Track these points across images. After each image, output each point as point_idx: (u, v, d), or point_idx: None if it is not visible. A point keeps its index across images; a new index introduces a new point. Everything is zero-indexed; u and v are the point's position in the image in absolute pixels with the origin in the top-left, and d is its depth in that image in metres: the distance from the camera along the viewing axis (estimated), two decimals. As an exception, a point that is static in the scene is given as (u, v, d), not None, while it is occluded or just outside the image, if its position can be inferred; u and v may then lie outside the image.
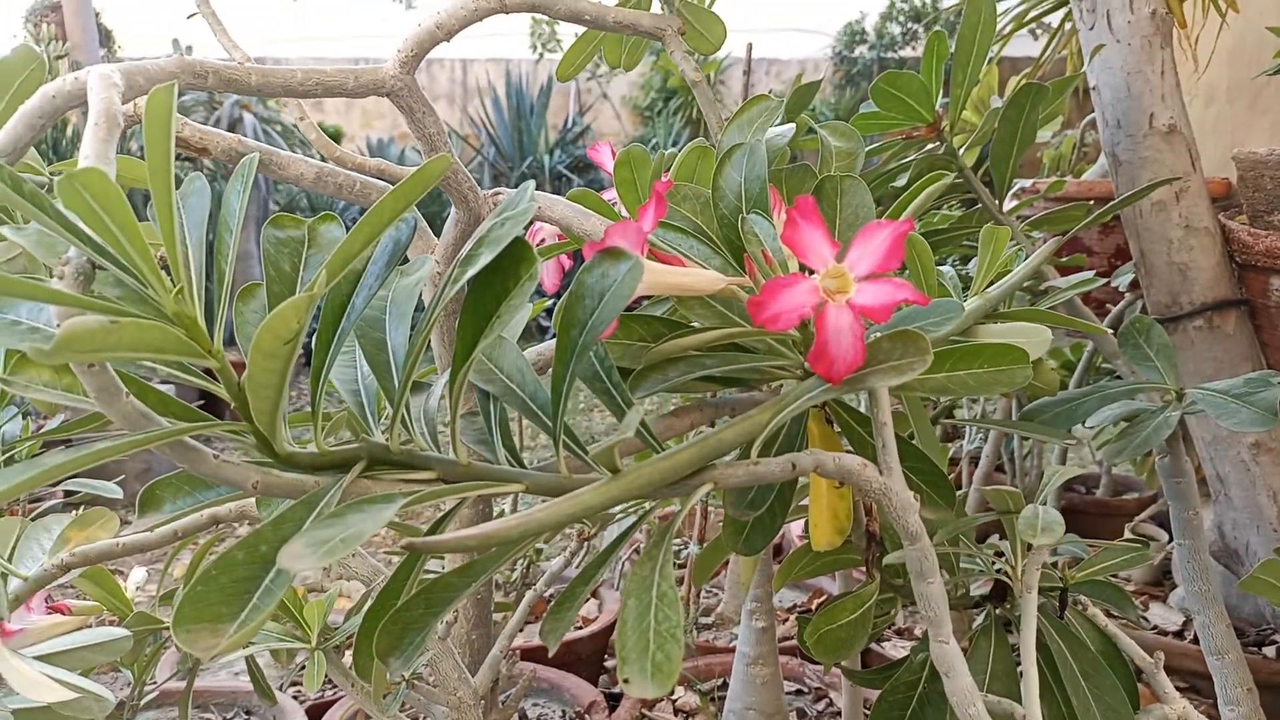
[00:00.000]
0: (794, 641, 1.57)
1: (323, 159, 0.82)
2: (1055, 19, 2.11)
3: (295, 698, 1.60)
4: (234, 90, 0.63)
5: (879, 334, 0.51)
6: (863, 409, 0.67)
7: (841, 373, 0.48)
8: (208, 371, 0.48)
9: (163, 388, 0.50)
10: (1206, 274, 1.17)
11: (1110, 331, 1.01)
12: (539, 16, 7.57)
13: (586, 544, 1.30)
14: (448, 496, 0.50)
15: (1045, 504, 0.65)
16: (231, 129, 5.05)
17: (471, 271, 0.48)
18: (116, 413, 0.46)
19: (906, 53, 8.15)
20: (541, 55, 7.78)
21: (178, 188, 0.50)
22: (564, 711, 1.53)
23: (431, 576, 0.52)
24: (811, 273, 0.50)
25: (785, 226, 0.50)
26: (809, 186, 0.68)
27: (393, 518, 0.46)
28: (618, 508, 1.25)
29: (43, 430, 1.15)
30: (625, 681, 0.42)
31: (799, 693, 1.55)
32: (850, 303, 0.48)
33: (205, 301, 0.47)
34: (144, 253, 0.44)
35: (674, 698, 1.52)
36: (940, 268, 0.85)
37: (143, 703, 1.18)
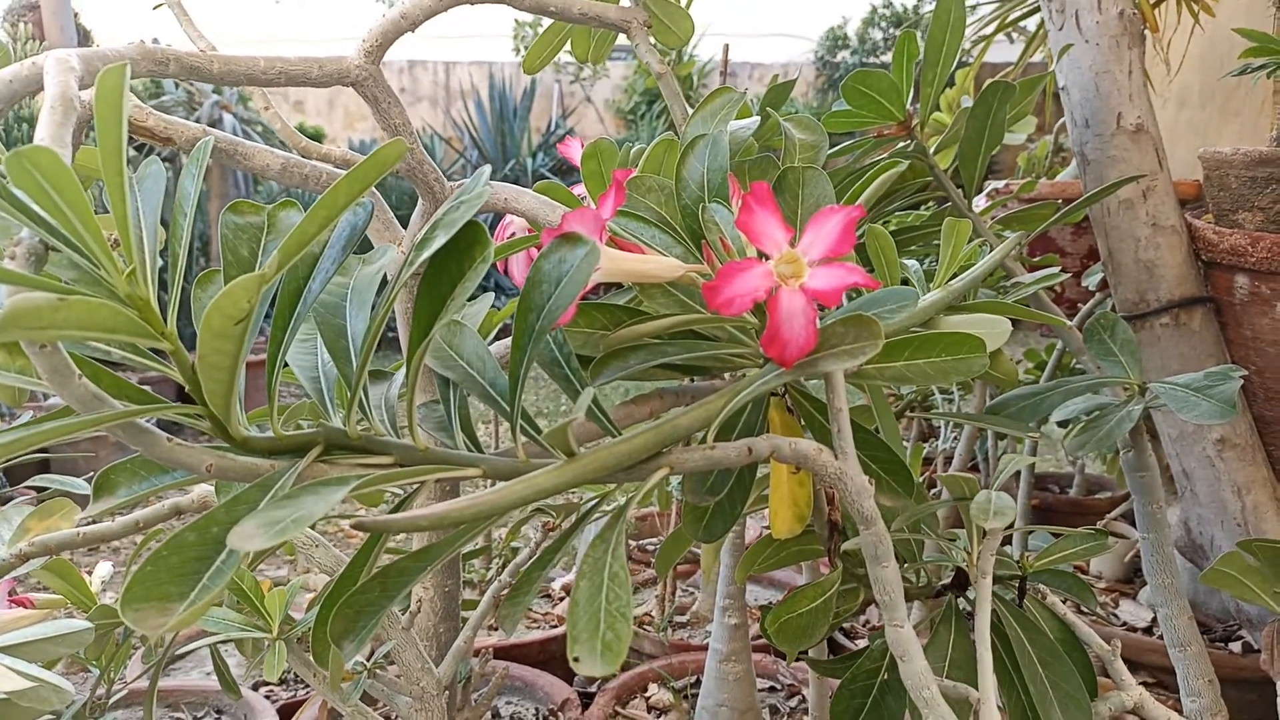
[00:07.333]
0: (768, 639, 1.58)
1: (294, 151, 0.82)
2: (1033, 24, 2.13)
3: (267, 697, 1.59)
4: (196, 77, 0.63)
5: (833, 319, 0.51)
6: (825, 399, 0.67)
7: (794, 356, 0.49)
8: (163, 356, 0.48)
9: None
10: (1173, 271, 1.18)
11: (1072, 325, 1.02)
12: (522, 19, 7.57)
13: (550, 535, 1.30)
14: (403, 480, 0.50)
15: (1001, 490, 0.65)
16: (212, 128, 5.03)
17: (426, 254, 0.48)
18: (69, 395, 0.46)
19: (888, 58, 8.19)
20: (525, 58, 7.77)
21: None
22: (537, 709, 1.53)
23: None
24: (766, 258, 0.51)
25: (740, 212, 0.50)
26: (771, 177, 0.68)
27: (345, 499, 0.46)
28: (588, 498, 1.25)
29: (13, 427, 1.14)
30: (575, 660, 0.42)
31: (772, 689, 1.55)
32: (803, 287, 0.48)
33: (159, 284, 0.47)
34: (96, 233, 0.44)
35: (647, 695, 1.52)
36: (907, 262, 0.85)
37: (111, 701, 1.17)
